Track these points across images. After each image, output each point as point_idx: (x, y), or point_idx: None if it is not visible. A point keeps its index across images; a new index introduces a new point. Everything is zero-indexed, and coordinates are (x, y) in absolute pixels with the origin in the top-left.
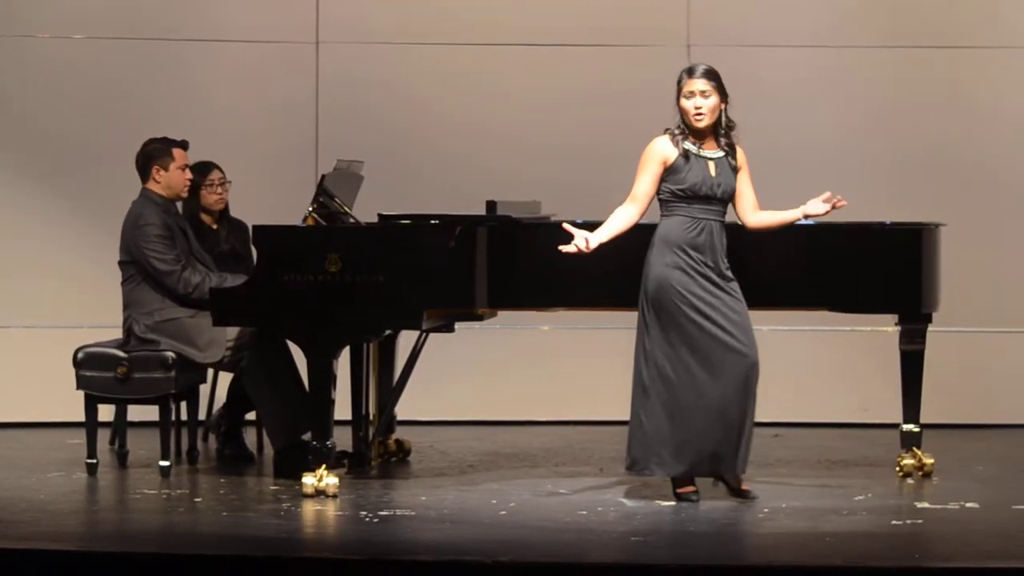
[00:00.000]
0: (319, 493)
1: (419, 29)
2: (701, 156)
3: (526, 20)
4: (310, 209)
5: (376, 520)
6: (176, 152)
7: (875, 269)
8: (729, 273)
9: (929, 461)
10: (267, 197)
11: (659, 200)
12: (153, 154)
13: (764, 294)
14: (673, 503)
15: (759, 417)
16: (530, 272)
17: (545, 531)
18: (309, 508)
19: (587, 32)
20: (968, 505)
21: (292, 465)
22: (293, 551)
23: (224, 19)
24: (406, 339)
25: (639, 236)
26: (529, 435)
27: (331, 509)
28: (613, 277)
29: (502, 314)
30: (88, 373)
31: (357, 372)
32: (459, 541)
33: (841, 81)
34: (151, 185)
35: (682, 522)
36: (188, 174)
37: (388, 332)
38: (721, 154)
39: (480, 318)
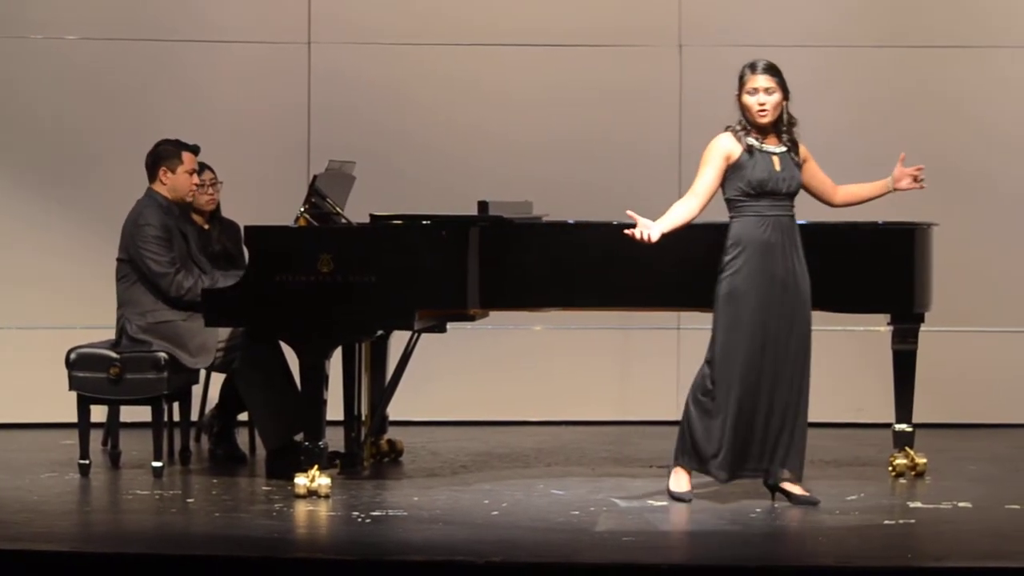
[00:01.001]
0: (311, 493)
1: (411, 29)
2: (765, 151)
3: (517, 20)
4: (302, 209)
5: (368, 520)
6: (185, 156)
7: (867, 269)
8: (800, 269)
9: (922, 461)
10: (259, 197)
11: (727, 201)
12: (162, 155)
13: None
14: (665, 503)
15: None
16: (522, 272)
17: (537, 531)
18: (301, 508)
19: (579, 32)
20: (961, 505)
21: (284, 466)
22: (285, 552)
23: (216, 19)
24: (398, 339)
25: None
26: (521, 435)
27: (323, 509)
28: (604, 277)
29: (494, 314)
30: (81, 374)
31: (349, 372)
32: (451, 541)
33: (833, 81)
34: (157, 186)
35: (674, 522)
36: (195, 179)
37: (380, 332)
38: (784, 149)
39: (472, 318)
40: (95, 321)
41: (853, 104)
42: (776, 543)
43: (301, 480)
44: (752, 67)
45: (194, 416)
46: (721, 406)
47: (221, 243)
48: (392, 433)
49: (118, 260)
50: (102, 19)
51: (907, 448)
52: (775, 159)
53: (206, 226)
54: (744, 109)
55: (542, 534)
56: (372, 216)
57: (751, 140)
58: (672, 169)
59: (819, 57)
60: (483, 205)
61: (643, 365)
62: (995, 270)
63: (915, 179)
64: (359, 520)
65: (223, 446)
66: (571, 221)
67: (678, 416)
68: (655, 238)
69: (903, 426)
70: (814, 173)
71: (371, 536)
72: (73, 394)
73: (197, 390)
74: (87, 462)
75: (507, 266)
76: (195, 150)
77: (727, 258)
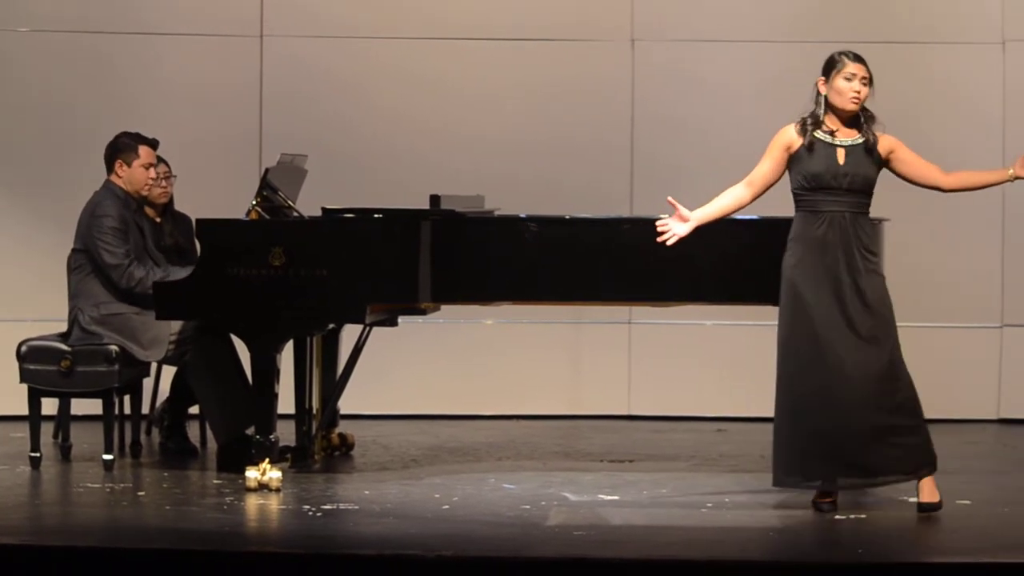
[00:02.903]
0: (262, 487)
1: (363, 23)
2: (832, 144)
3: (470, 15)
4: (254, 203)
5: (319, 514)
6: (142, 150)
7: None
8: (864, 267)
9: None
10: (211, 191)
11: (792, 195)
12: (119, 148)
13: (707, 289)
14: (616, 497)
15: (702, 411)
16: (473, 267)
17: (488, 525)
18: (252, 502)
19: (532, 27)
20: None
21: (235, 459)
22: (236, 545)
23: (168, 12)
24: (349, 333)
25: (587, 228)
26: (472, 429)
27: (274, 503)
28: (556, 272)
29: (445, 308)
30: (31, 367)
31: (300, 366)
32: (402, 535)
33: (785, 76)
34: (114, 178)
35: (625, 517)
36: (152, 173)
37: (331, 326)
38: (858, 142)
39: (424, 312)
40: (47, 314)
41: (805, 99)
42: (726, 538)
43: (252, 473)
44: (847, 55)
45: (145, 409)
46: (783, 405)
47: (173, 237)
48: (343, 427)
49: (74, 250)
50: (53, 12)
51: None
52: (841, 152)
53: (158, 219)
54: (834, 93)
55: (493, 528)
56: (324, 209)
57: (818, 133)
58: (624, 164)
59: (773, 52)
60: (435, 199)
61: (594, 360)
62: (953, 266)
63: None
64: (310, 514)
65: (174, 439)
66: (523, 215)
67: (629, 410)
68: (683, 233)
69: None
70: (909, 162)
71: (322, 530)
72: (24, 387)
73: (148, 383)
74: (38, 455)
75: (459, 260)
76: (154, 144)
77: (787, 252)
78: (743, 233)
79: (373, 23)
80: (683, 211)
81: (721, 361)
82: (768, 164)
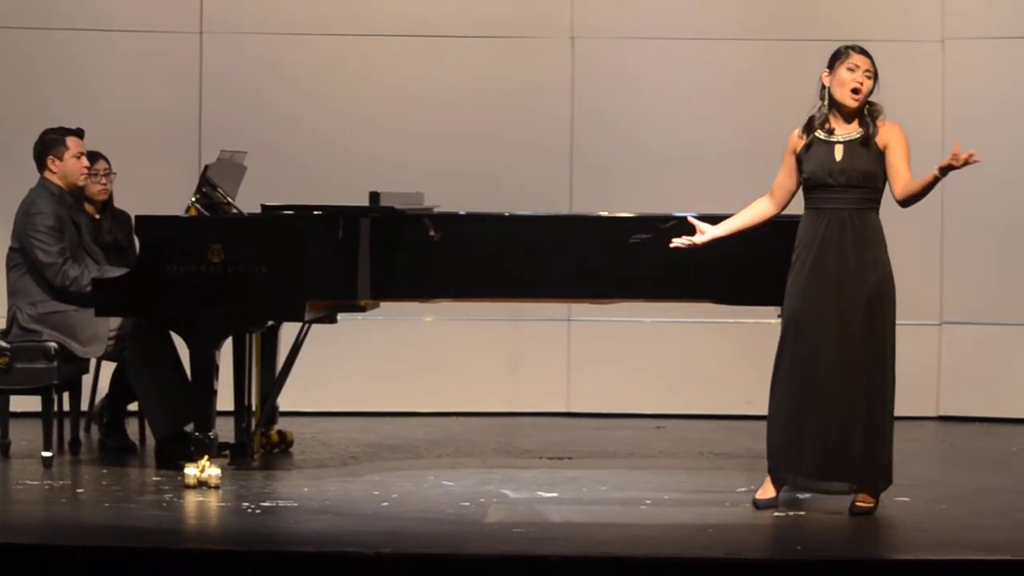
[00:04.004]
0: (201, 484)
1: (304, 19)
2: (829, 141)
3: (409, 10)
4: (193, 199)
5: (258, 511)
6: (70, 140)
7: (759, 261)
8: (861, 266)
9: None
10: (150, 188)
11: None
12: (48, 144)
13: (650, 286)
14: (555, 494)
15: (642, 408)
16: (413, 263)
17: (427, 522)
18: (191, 499)
19: (471, 24)
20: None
21: (174, 456)
22: (175, 542)
23: (106, 8)
24: (289, 330)
25: (526, 226)
26: (411, 426)
27: (213, 500)
28: (494, 269)
29: (384, 305)
30: None
31: (240, 363)
32: (341, 532)
33: (726, 75)
34: (47, 175)
35: (564, 514)
36: (84, 162)
37: (270, 323)
38: (857, 135)
39: (363, 309)
40: None
41: (746, 97)
42: (665, 535)
43: (191, 470)
44: (853, 47)
45: (84, 406)
46: (777, 404)
47: (113, 234)
48: (282, 424)
49: (10, 249)
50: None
51: None
52: (839, 149)
53: (98, 216)
54: (837, 84)
55: (432, 525)
56: (263, 206)
57: (819, 132)
58: (564, 160)
59: (713, 50)
60: (374, 196)
61: (533, 357)
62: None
63: (959, 158)
64: (249, 511)
65: (113, 436)
66: (462, 212)
67: (568, 407)
68: (704, 241)
69: None
70: (889, 163)
71: (261, 527)
72: None
73: (87, 380)
74: None
75: (397, 257)
76: (80, 133)
77: (794, 251)
78: (684, 230)
79: (314, 19)
80: (702, 226)
81: (660, 358)
82: (782, 171)
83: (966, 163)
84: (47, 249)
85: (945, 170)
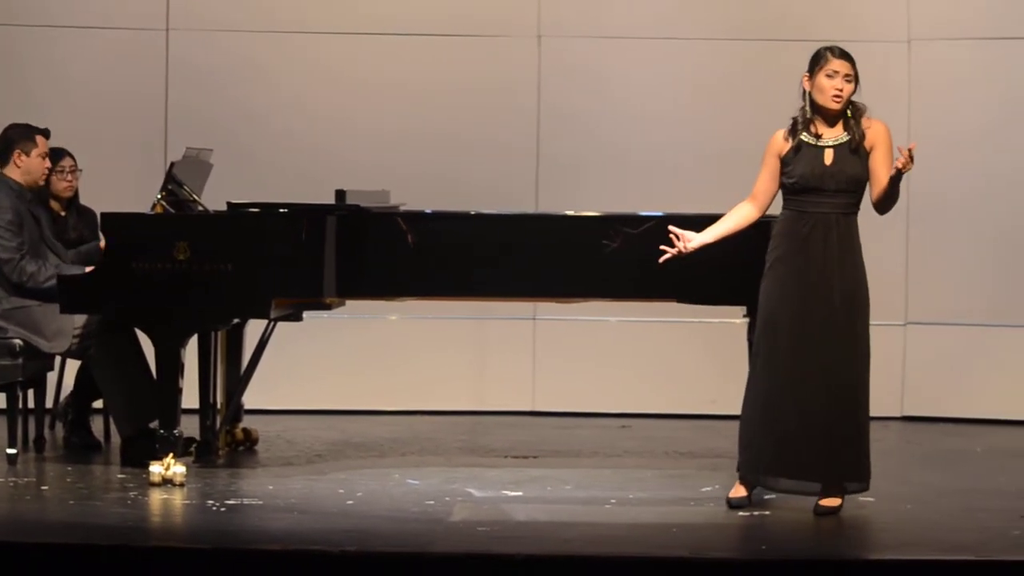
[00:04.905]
0: (166, 482)
1: (270, 17)
2: (817, 145)
3: (376, 8)
4: (159, 197)
5: (223, 509)
6: (39, 139)
7: (723, 261)
8: (840, 270)
9: None
10: (116, 185)
11: (782, 195)
12: (15, 139)
13: (615, 285)
14: (520, 493)
15: (607, 407)
16: (378, 262)
17: (392, 521)
18: (156, 497)
19: (439, 22)
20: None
21: (139, 453)
22: (140, 540)
23: (71, 5)
24: (254, 328)
25: (491, 224)
26: (377, 425)
27: (178, 498)
28: (460, 267)
29: (350, 304)
30: None
31: (205, 361)
32: (306, 530)
33: (692, 74)
34: (9, 170)
35: (529, 513)
36: (47, 163)
37: (236, 321)
38: (844, 139)
39: (328, 307)
40: None
41: (712, 95)
42: (630, 534)
43: (156, 468)
44: (832, 51)
45: (49, 403)
46: (751, 401)
47: (78, 230)
48: (247, 422)
49: None
50: None
51: None
52: (828, 153)
53: (63, 213)
54: (816, 90)
55: (397, 524)
56: (229, 204)
57: (804, 135)
58: (530, 159)
59: (680, 49)
60: (340, 194)
61: (498, 355)
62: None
63: (901, 160)
64: (214, 508)
65: (78, 433)
66: (428, 211)
67: (533, 406)
68: (692, 248)
69: None
70: (872, 167)
71: (226, 525)
72: None
73: (52, 377)
74: None
75: (363, 255)
76: (46, 134)
77: (770, 246)
78: (656, 233)
79: (279, 16)
80: (687, 235)
81: (626, 357)
82: (765, 175)
83: (911, 159)
84: (5, 244)
85: (896, 178)
